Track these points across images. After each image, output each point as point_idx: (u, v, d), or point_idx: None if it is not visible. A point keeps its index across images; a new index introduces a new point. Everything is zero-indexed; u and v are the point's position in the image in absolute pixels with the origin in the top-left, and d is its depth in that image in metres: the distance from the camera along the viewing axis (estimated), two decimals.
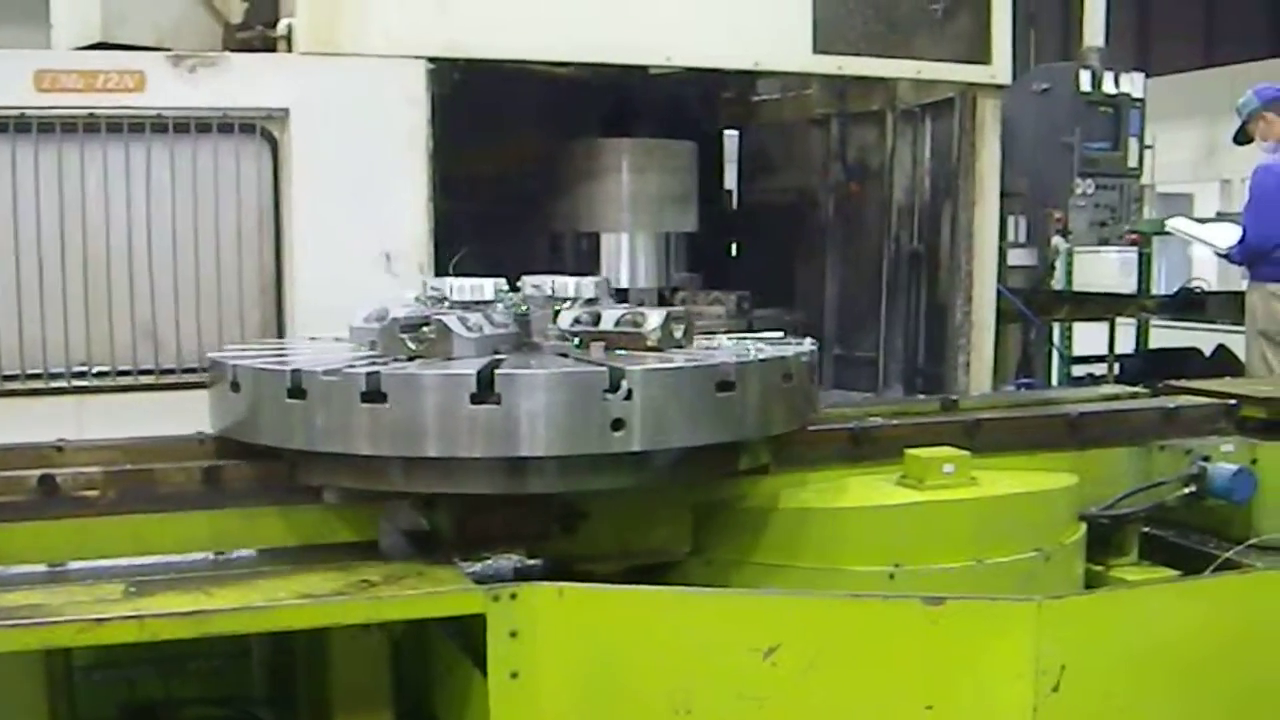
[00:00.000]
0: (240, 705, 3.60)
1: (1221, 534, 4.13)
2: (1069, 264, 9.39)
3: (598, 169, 5.52)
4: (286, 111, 4.45)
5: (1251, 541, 4.02)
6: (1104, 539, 4.03)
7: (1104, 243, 8.24)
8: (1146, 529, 4.17)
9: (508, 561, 3.28)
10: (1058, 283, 9.06)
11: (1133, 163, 8.18)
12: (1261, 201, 7.85)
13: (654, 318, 3.44)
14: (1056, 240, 7.94)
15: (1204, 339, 9.39)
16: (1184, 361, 8.71)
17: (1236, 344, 9.02)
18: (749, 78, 6.26)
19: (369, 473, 3.09)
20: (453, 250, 4.65)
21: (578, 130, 5.93)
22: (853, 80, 5.64)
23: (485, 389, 2.96)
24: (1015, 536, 3.56)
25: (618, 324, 3.45)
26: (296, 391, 3.07)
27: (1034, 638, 3.00)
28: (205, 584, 2.92)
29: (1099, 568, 3.99)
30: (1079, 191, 7.88)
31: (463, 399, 2.95)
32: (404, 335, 3.28)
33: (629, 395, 3.01)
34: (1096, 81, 7.89)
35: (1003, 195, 5.89)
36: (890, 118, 6.08)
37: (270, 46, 4.60)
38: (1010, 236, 7.97)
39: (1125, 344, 9.86)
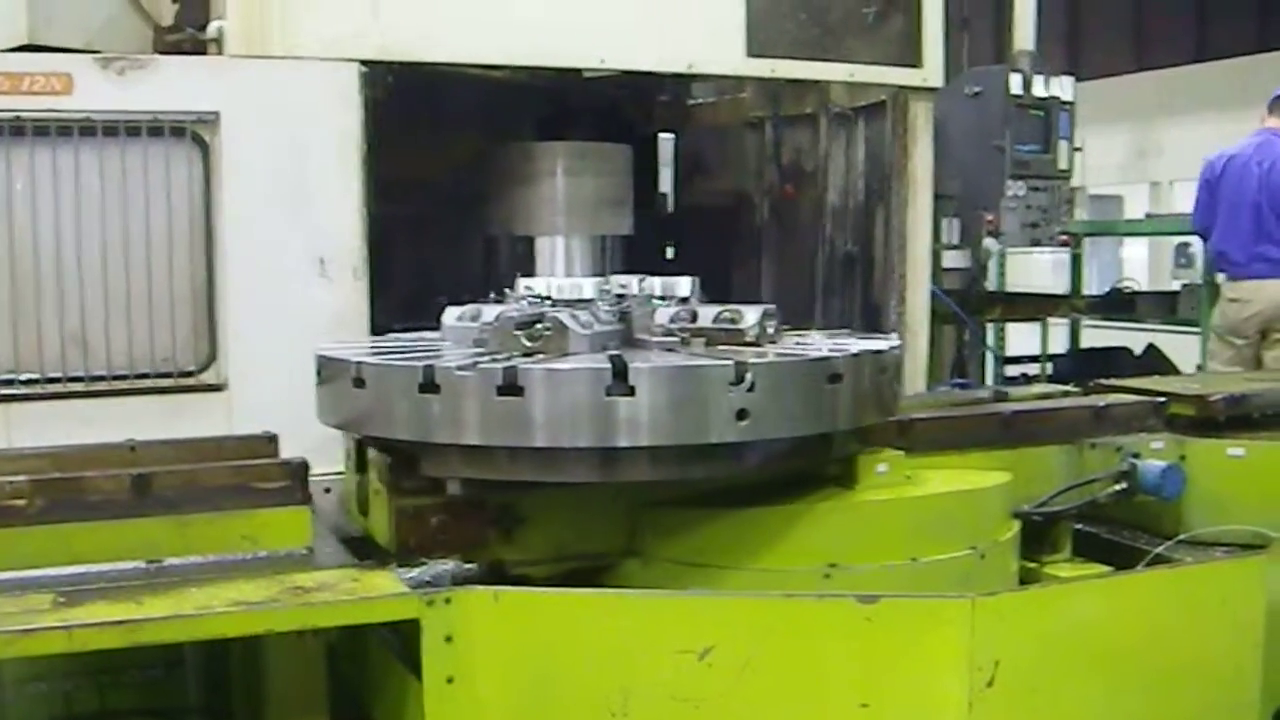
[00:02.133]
0: (176, 716, 3.57)
1: (1152, 530, 4.19)
2: (1001, 265, 9.49)
3: (532, 172, 5.50)
4: (217, 115, 4.41)
5: (1181, 537, 4.09)
6: (1038, 536, 4.08)
7: (1035, 244, 8.34)
8: (1079, 526, 4.23)
9: (445, 567, 3.27)
10: (991, 284, 9.16)
11: (1063, 165, 8.27)
12: None
13: (750, 314, 3.65)
14: (988, 242, 8.02)
15: (1135, 338, 9.50)
16: (1115, 360, 8.84)
17: (1166, 343, 9.15)
18: (684, 81, 6.26)
19: (496, 464, 3.24)
20: (386, 254, 4.64)
21: (513, 134, 5.92)
22: (786, 83, 5.66)
23: (620, 381, 3.11)
24: (950, 535, 3.59)
25: (716, 320, 3.65)
26: (429, 386, 3.19)
27: (968, 634, 3.02)
28: (136, 593, 2.90)
29: (1033, 564, 4.04)
30: (1010, 193, 7.96)
31: (599, 391, 3.11)
32: (518, 332, 3.44)
33: (752, 387, 3.18)
34: (1027, 85, 7.97)
35: (936, 197, 5.93)
36: (824, 121, 6.10)
37: (201, 49, 4.55)
38: (944, 238, 8.05)
39: (1058, 344, 9.97)
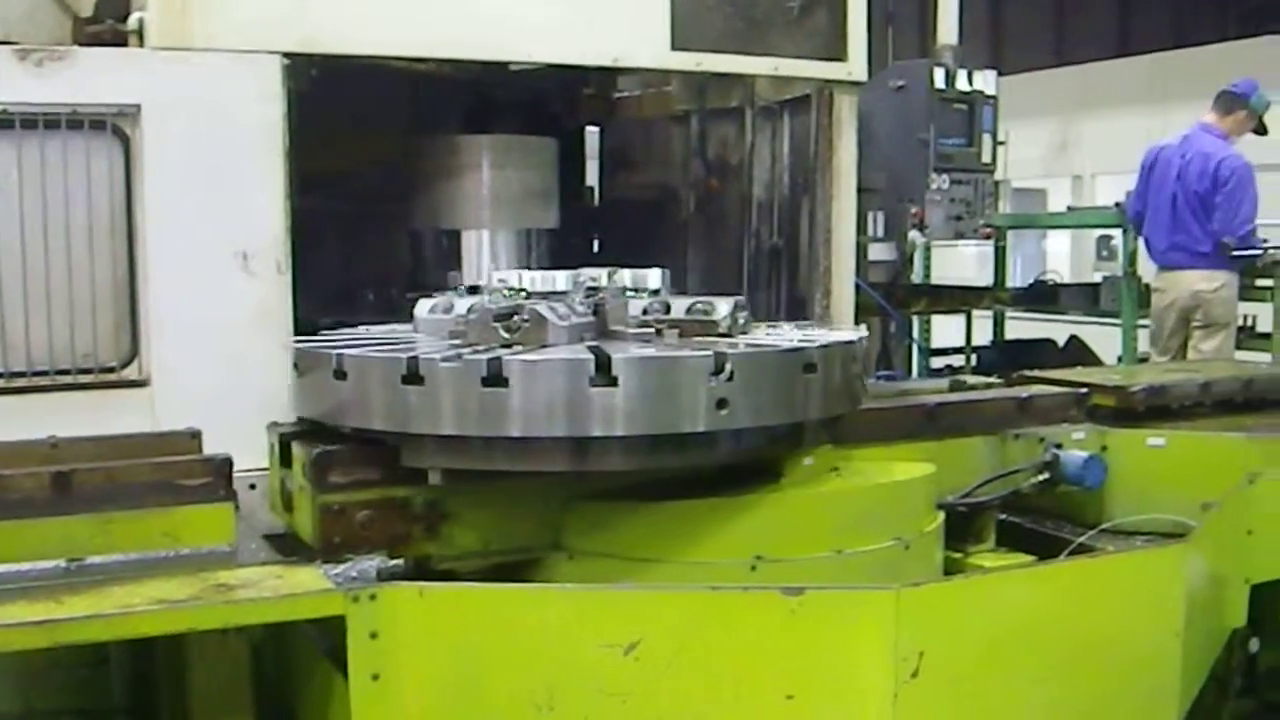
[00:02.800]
0: (102, 715, 3.54)
1: (1075, 519, 4.26)
2: (927, 258, 9.57)
3: (458, 166, 5.48)
4: (138, 108, 4.35)
5: (1103, 526, 4.15)
6: (962, 526, 4.13)
7: (959, 237, 8.41)
8: (1003, 516, 4.27)
9: (371, 563, 3.26)
10: (916, 276, 9.23)
11: (986, 158, 8.35)
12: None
13: (723, 306, 3.74)
14: (913, 235, 8.08)
15: (1058, 330, 9.60)
16: (1038, 352, 8.93)
17: (1088, 334, 9.26)
18: (609, 74, 6.26)
19: (479, 455, 3.29)
20: (311, 248, 4.60)
21: (439, 127, 5.89)
22: (712, 77, 5.66)
23: (604, 372, 3.19)
24: (875, 526, 3.62)
25: (689, 312, 3.74)
26: (413, 378, 3.24)
27: (892, 625, 3.05)
28: (57, 592, 2.86)
29: (958, 555, 4.09)
30: (934, 187, 8.02)
31: (583, 382, 3.18)
32: (496, 324, 3.51)
33: (731, 376, 3.28)
34: (950, 79, 8.04)
35: (861, 191, 5.95)
36: (749, 114, 6.11)
37: (121, 41, 4.49)
38: (870, 232, 8.11)
39: (982, 336, 10.06)
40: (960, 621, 3.22)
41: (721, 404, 3.29)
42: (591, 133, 6.92)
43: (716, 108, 6.25)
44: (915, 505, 3.81)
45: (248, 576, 3.06)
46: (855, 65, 5.47)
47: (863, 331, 3.98)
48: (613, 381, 3.21)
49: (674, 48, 5.03)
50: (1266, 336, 8.40)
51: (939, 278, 10.11)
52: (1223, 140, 8.41)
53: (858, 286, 5.91)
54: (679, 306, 3.76)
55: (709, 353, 3.32)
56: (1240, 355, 8.18)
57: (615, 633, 2.98)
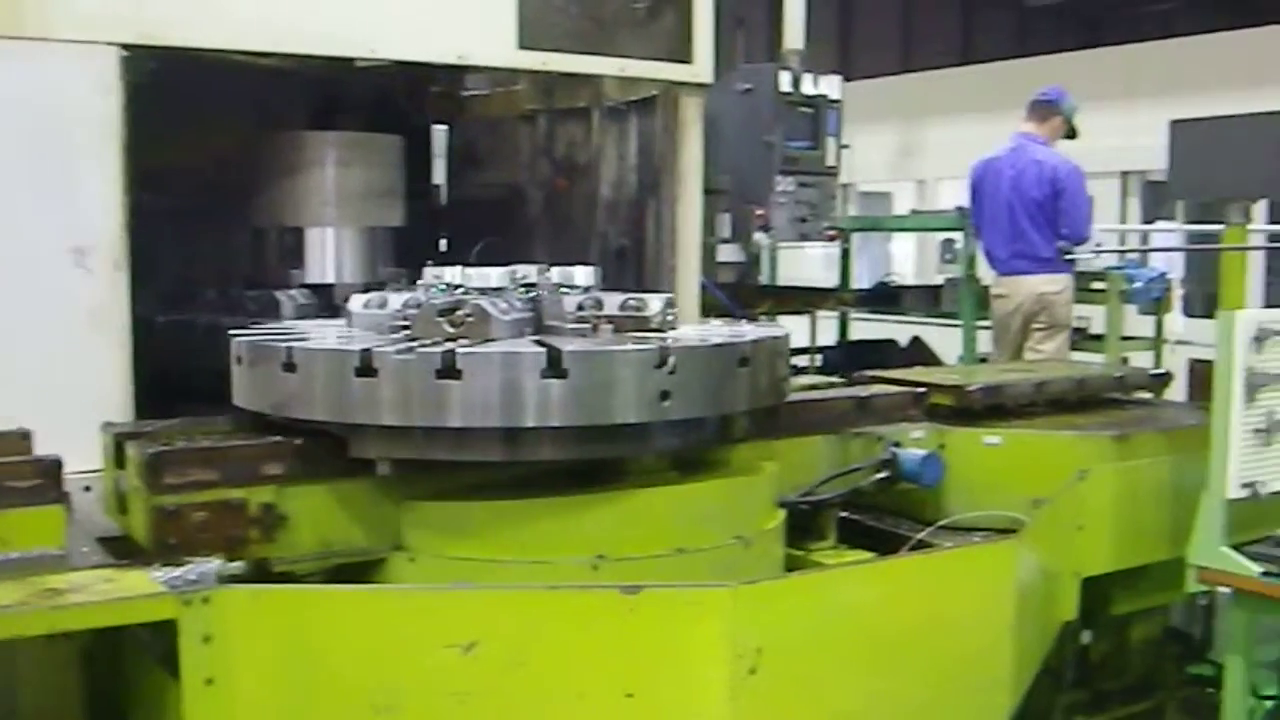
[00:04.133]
0: None
1: (914, 516, 4.33)
2: (773, 259, 9.68)
3: (301, 162, 5.39)
4: None
5: (941, 523, 4.22)
6: (804, 524, 4.17)
7: (804, 238, 8.51)
8: (844, 513, 4.33)
9: (210, 566, 3.20)
10: (764, 277, 9.33)
11: (831, 161, 8.45)
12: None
13: (655, 303, 3.85)
14: (759, 236, 8.15)
15: (901, 330, 9.76)
16: (882, 352, 9.06)
17: (930, 335, 9.44)
18: (456, 72, 6.22)
19: (428, 445, 3.41)
20: (150, 245, 4.51)
21: (283, 123, 5.79)
22: (559, 77, 5.65)
23: (555, 365, 3.33)
24: (715, 524, 3.65)
25: (622, 308, 3.84)
26: (366, 370, 3.32)
27: (730, 622, 3.08)
28: None
29: (799, 552, 4.13)
30: (780, 189, 8.09)
31: (534, 374, 3.32)
32: (440, 319, 3.60)
33: (674, 370, 3.43)
34: (796, 83, 8.12)
35: (707, 192, 5.99)
36: (597, 115, 6.12)
37: None
38: (718, 233, 8.16)
39: (827, 336, 10.18)
40: (798, 618, 3.26)
41: (665, 395, 3.45)
42: (439, 131, 6.87)
43: (564, 107, 6.25)
44: (756, 503, 3.85)
45: (77, 580, 2.98)
46: (701, 67, 5.51)
47: (785, 329, 4.16)
48: (562, 374, 3.33)
49: (520, 47, 5.02)
50: (1100, 338, 8.63)
51: (787, 279, 10.21)
52: (1048, 147, 8.63)
53: (704, 286, 5.95)
54: (611, 302, 3.86)
55: (654, 347, 3.47)
56: (1075, 356, 8.39)
57: (454, 633, 2.96)
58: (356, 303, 3.99)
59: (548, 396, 3.34)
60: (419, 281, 3.98)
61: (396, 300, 3.87)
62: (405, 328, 3.72)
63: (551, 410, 3.36)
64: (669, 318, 3.88)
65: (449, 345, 3.40)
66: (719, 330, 3.99)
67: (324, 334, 3.79)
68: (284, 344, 3.51)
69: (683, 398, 3.48)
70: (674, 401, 3.47)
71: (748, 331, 3.94)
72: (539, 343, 3.48)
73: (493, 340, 3.56)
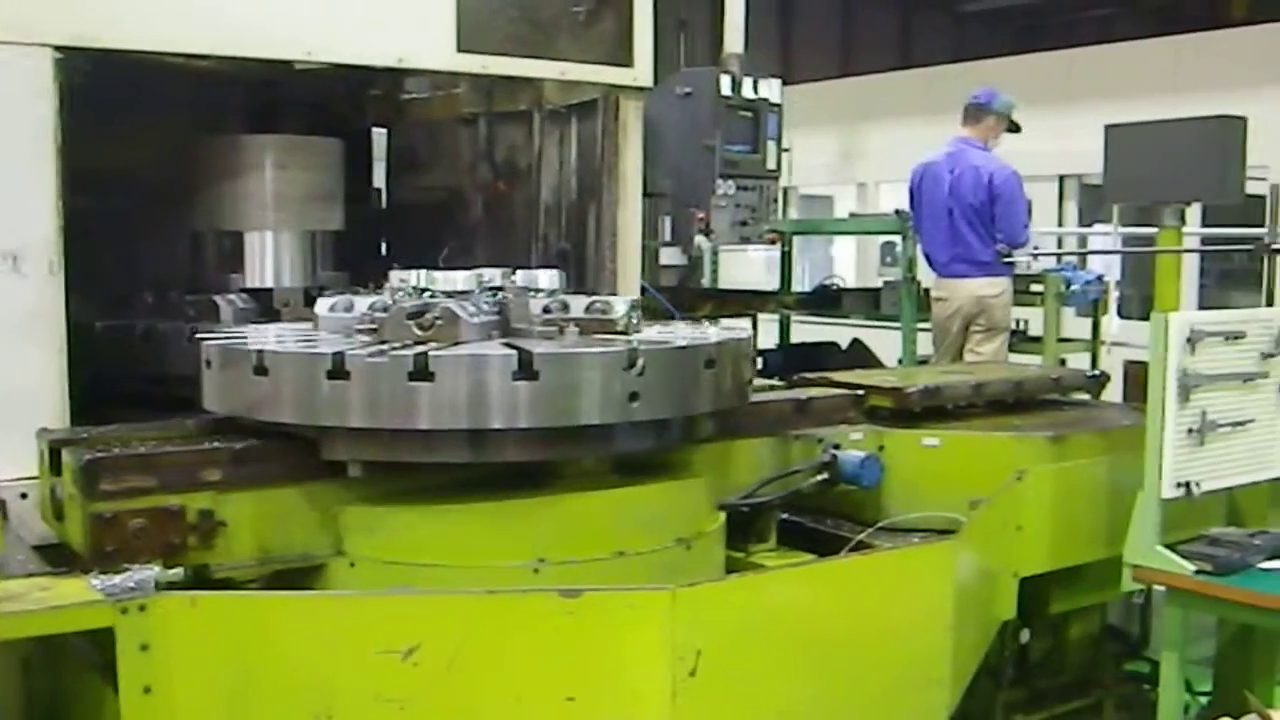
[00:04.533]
0: None
1: (854, 518, 4.35)
2: (715, 262, 9.68)
3: (240, 166, 5.35)
4: None
5: (881, 524, 4.25)
6: (744, 526, 4.19)
7: (745, 241, 8.51)
8: (785, 515, 4.35)
9: (149, 573, 3.17)
10: (705, 280, 9.32)
11: (771, 165, 8.45)
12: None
13: (619, 305, 3.92)
14: (700, 239, 8.15)
15: (842, 333, 9.80)
16: (822, 355, 9.08)
17: (870, 337, 9.48)
18: (397, 76, 6.19)
19: (400, 447, 3.45)
20: (85, 249, 4.46)
21: (222, 126, 5.75)
22: (499, 80, 5.64)
23: (526, 367, 3.38)
24: (656, 527, 3.66)
25: (588, 310, 3.91)
26: (339, 373, 3.36)
27: (669, 625, 3.09)
28: None
29: (740, 554, 4.15)
30: (720, 192, 8.10)
31: (506, 376, 3.37)
32: (410, 321, 3.65)
33: (642, 371, 3.49)
34: (736, 86, 8.13)
35: (648, 195, 6.00)
36: (537, 118, 6.11)
37: None
38: (660, 236, 8.16)
39: (769, 339, 10.20)
40: (737, 620, 3.27)
41: (634, 396, 3.52)
42: (379, 134, 6.84)
43: (505, 111, 6.23)
44: (697, 506, 3.86)
45: (13, 589, 2.96)
46: (641, 71, 5.52)
47: (747, 331, 4.16)
48: (534, 376, 3.38)
49: (460, 50, 5.01)
50: (1038, 340, 8.70)
51: (729, 282, 10.21)
52: (985, 151, 8.69)
53: (644, 289, 5.96)
54: (577, 305, 3.92)
55: (624, 349, 3.53)
56: (1013, 358, 8.45)
57: (392, 639, 2.96)
58: (323, 306, 4.02)
59: (520, 398, 3.38)
60: (386, 285, 4.00)
61: (363, 304, 3.90)
62: (373, 331, 3.74)
63: (522, 412, 3.41)
64: (634, 320, 3.94)
65: (420, 348, 3.43)
66: (684, 332, 4.04)
67: (292, 337, 3.81)
68: (255, 347, 3.53)
69: (650, 399, 3.55)
70: (643, 403, 3.53)
71: (712, 333, 4.00)
72: (508, 345, 3.52)
73: (462, 343, 3.59)
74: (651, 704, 3.11)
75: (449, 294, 3.83)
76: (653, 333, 3.98)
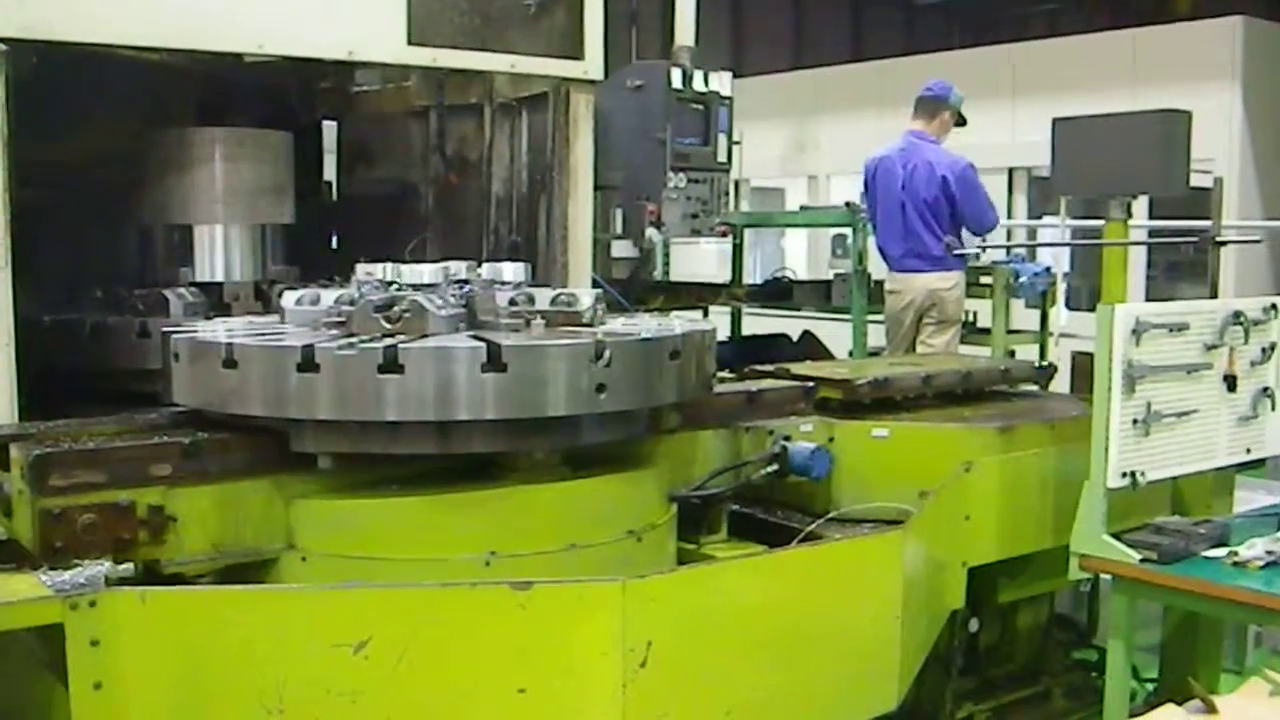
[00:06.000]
0: None
1: (805, 509, 4.38)
2: (666, 255, 9.68)
3: (189, 159, 5.31)
4: None
5: (831, 515, 4.27)
6: (695, 518, 4.20)
7: (696, 234, 8.52)
8: (735, 507, 4.37)
9: (99, 569, 3.16)
10: (657, 273, 9.33)
11: (722, 158, 8.47)
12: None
13: (585, 298, 3.97)
14: (651, 232, 8.16)
15: (793, 325, 9.82)
16: (773, 347, 9.09)
17: (821, 329, 9.51)
18: (347, 68, 6.18)
19: (368, 437, 3.48)
20: (33, 243, 4.43)
21: (171, 119, 5.71)
22: (450, 73, 5.64)
23: (495, 359, 3.40)
24: (607, 519, 3.68)
25: (553, 303, 3.95)
26: (308, 365, 3.37)
27: (620, 617, 3.11)
28: None
29: (691, 546, 4.16)
30: (671, 185, 8.11)
31: (475, 368, 3.39)
32: (377, 315, 3.66)
33: (610, 363, 3.52)
34: (687, 79, 8.14)
35: (599, 188, 6.01)
36: (489, 111, 6.11)
37: None
38: (612, 229, 8.16)
39: (721, 331, 10.20)
40: (687, 611, 3.29)
41: (601, 388, 3.54)
42: (329, 127, 6.82)
43: (456, 104, 6.23)
44: (647, 498, 3.87)
45: None
46: (592, 64, 5.53)
47: (711, 324, 4.31)
48: (502, 368, 3.40)
49: (410, 42, 5.01)
50: (986, 331, 8.76)
51: (682, 275, 10.22)
52: (937, 145, 8.70)
53: (596, 282, 5.97)
54: (543, 298, 3.96)
55: (590, 341, 3.55)
56: (963, 349, 8.50)
57: (343, 632, 2.96)
58: (289, 299, 4.01)
59: (488, 390, 3.41)
60: (352, 278, 4.02)
61: (329, 296, 3.91)
62: (340, 324, 3.75)
63: (490, 404, 3.43)
64: (599, 312, 3.97)
65: (389, 340, 3.45)
66: (648, 324, 4.06)
67: (254, 331, 3.80)
68: (224, 340, 3.53)
69: (617, 391, 3.57)
70: (610, 394, 3.55)
71: (677, 325, 4.01)
72: (476, 337, 3.53)
73: (430, 335, 3.60)
74: (602, 695, 3.12)
75: (416, 287, 3.84)
76: (618, 325, 4.00)
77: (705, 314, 9.38)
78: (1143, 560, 4.19)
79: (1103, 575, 4.49)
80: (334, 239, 6.70)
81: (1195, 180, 6.61)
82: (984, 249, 8.36)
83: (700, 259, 10.65)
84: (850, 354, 8.61)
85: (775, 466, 4.29)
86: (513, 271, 4.14)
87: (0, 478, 3.50)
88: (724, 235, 9.21)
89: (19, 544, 3.38)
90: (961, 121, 8.85)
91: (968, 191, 8.47)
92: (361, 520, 3.49)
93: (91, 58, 4.58)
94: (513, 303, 3.93)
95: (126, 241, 5.70)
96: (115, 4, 4.45)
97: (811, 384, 4.68)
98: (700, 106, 8.26)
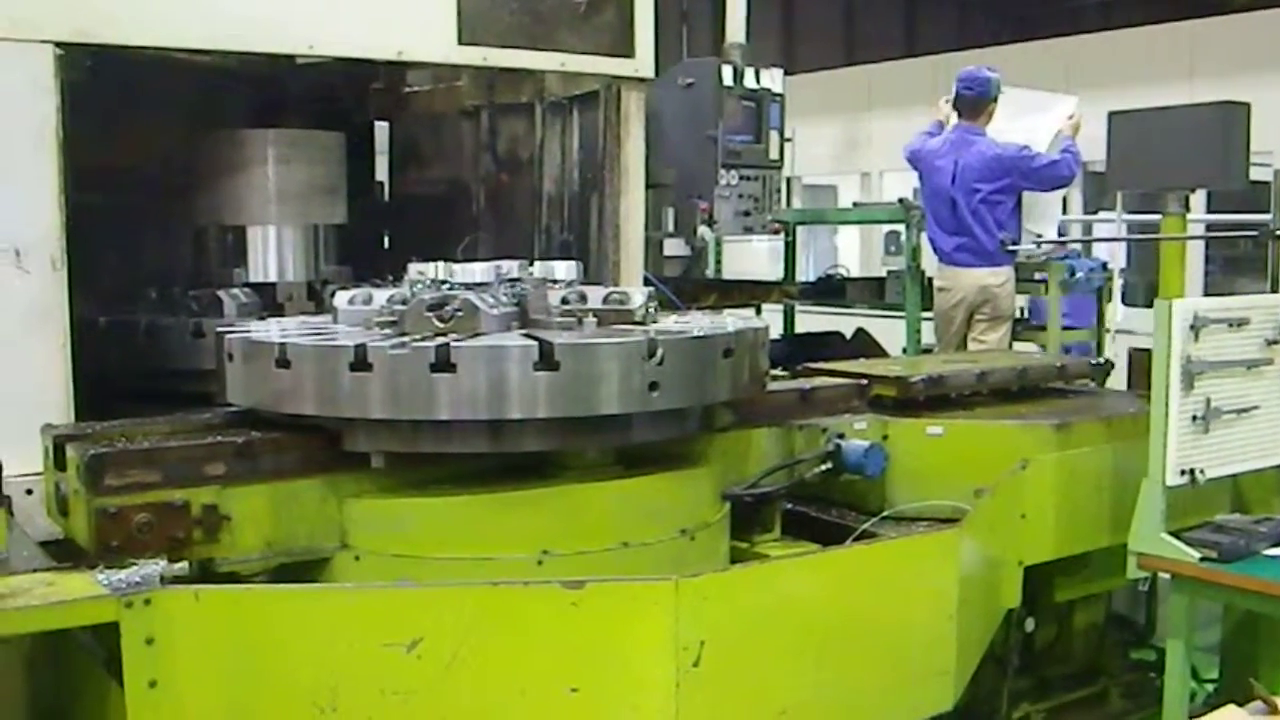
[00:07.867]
0: None
1: (858, 507, 4.36)
2: (718, 253, 9.67)
3: (242, 160, 5.34)
4: None
5: (885, 513, 4.25)
6: (748, 517, 4.19)
7: (748, 232, 8.51)
8: (790, 505, 4.35)
9: (154, 567, 3.17)
10: (709, 271, 9.32)
11: (774, 155, 8.45)
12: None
13: (637, 296, 3.96)
14: (703, 230, 8.15)
15: (846, 323, 9.78)
16: (827, 344, 9.06)
17: (875, 327, 9.47)
18: (398, 69, 6.19)
19: (420, 436, 3.49)
20: (91, 244, 4.47)
21: (225, 121, 5.74)
22: (501, 72, 5.65)
23: (547, 358, 3.41)
24: (659, 518, 3.67)
25: (605, 301, 3.94)
26: (361, 365, 3.40)
27: (673, 615, 3.09)
28: None
29: (744, 544, 4.15)
30: (723, 182, 8.10)
31: (527, 367, 3.40)
32: (430, 314, 3.67)
33: (662, 361, 3.51)
34: (738, 76, 8.13)
35: (651, 186, 6.00)
36: (539, 109, 6.11)
37: None
38: (664, 227, 8.16)
39: (774, 329, 10.18)
40: (740, 610, 3.27)
41: (654, 386, 3.54)
42: (381, 127, 6.84)
43: (507, 103, 6.23)
44: (700, 496, 3.86)
45: (17, 584, 2.96)
46: (642, 62, 5.51)
47: (765, 321, 4.31)
48: (555, 366, 3.41)
49: (461, 42, 5.01)
50: (1042, 328, 8.69)
51: (733, 272, 10.20)
52: (985, 137, 8.57)
53: (648, 280, 5.95)
54: (595, 296, 3.95)
55: (642, 339, 3.55)
56: (1017, 346, 8.43)
57: (396, 631, 2.97)
58: (342, 299, 4.03)
59: (540, 389, 3.41)
60: (405, 277, 4.02)
61: (381, 296, 3.92)
62: (393, 323, 3.76)
63: (542, 402, 3.43)
64: (651, 310, 3.96)
65: (441, 339, 3.45)
66: (701, 322, 4.05)
67: (307, 330, 3.82)
68: (277, 340, 3.55)
69: (670, 389, 3.57)
70: (663, 392, 3.55)
71: (729, 323, 4.00)
72: (528, 336, 3.53)
73: (482, 334, 3.61)
74: (655, 694, 3.11)
75: (468, 286, 3.85)
76: (670, 322, 3.99)
77: (758, 312, 9.35)
78: (1203, 559, 4.14)
79: (1161, 574, 4.44)
80: (386, 239, 6.72)
81: (1254, 174, 6.54)
82: (1039, 243, 8.29)
83: (752, 256, 10.63)
84: (903, 351, 8.56)
85: (829, 464, 4.26)
86: (565, 270, 4.13)
87: (57, 477, 3.53)
88: (776, 233, 9.19)
89: (75, 543, 3.41)
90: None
91: (1027, 157, 8.28)
92: (414, 519, 3.49)
93: (144, 61, 4.61)
94: (565, 301, 3.92)
95: (181, 243, 5.74)
96: (168, 8, 4.48)
97: (866, 381, 4.66)
98: (752, 103, 8.24)
